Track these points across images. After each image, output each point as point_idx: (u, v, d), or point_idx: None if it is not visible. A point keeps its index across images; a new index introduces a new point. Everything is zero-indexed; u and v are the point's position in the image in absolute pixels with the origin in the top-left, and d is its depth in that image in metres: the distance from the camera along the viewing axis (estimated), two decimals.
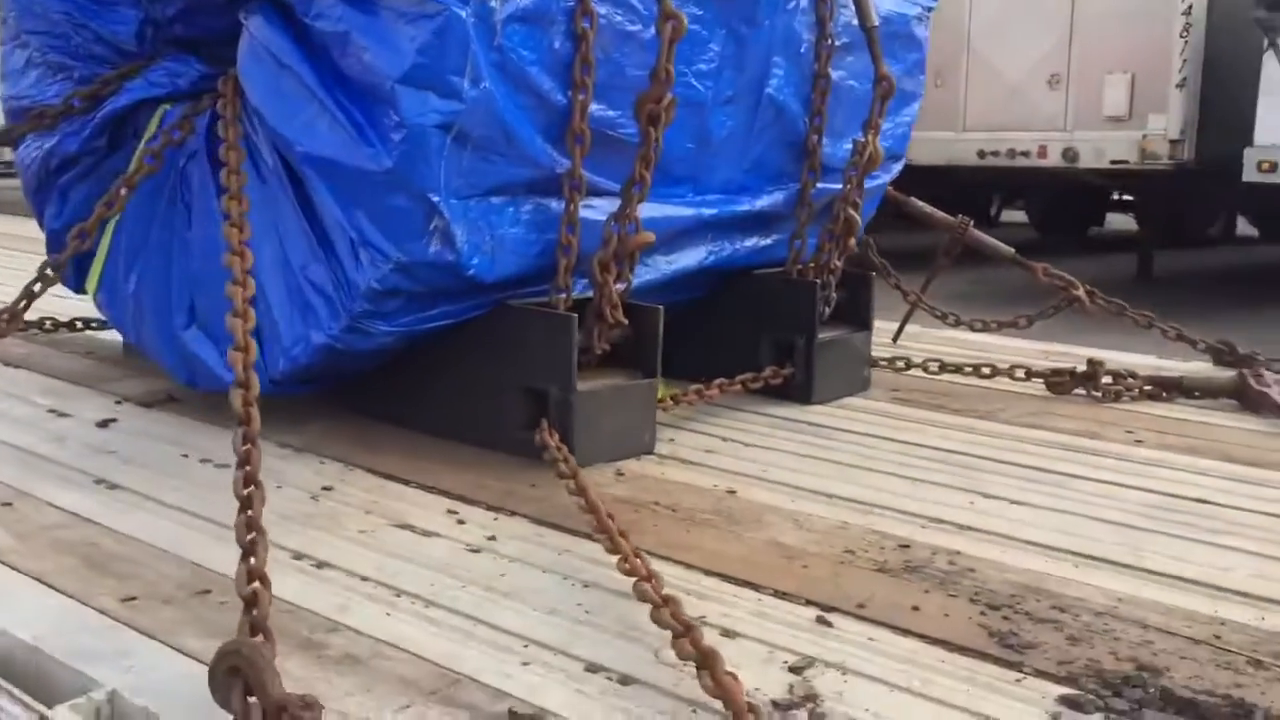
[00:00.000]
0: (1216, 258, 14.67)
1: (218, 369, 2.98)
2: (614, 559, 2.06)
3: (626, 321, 2.90)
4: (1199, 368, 4.23)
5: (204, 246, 2.95)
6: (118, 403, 3.33)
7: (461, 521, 2.42)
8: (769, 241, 3.57)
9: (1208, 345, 4.30)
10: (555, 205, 2.84)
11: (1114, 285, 4.38)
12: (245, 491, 1.89)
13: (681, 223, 3.20)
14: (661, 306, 2.96)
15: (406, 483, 2.68)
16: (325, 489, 2.61)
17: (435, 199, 2.59)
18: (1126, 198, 14.46)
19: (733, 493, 2.66)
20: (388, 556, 2.21)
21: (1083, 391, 3.71)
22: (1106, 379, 3.70)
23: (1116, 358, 4.36)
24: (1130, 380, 3.70)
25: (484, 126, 2.60)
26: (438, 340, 2.90)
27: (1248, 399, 3.63)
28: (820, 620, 1.97)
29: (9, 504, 2.44)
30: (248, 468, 1.93)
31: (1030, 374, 3.77)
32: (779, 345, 3.54)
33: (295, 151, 2.70)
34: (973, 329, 4.44)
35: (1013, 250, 4.34)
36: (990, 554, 2.30)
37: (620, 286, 2.90)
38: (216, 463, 2.77)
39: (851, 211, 3.51)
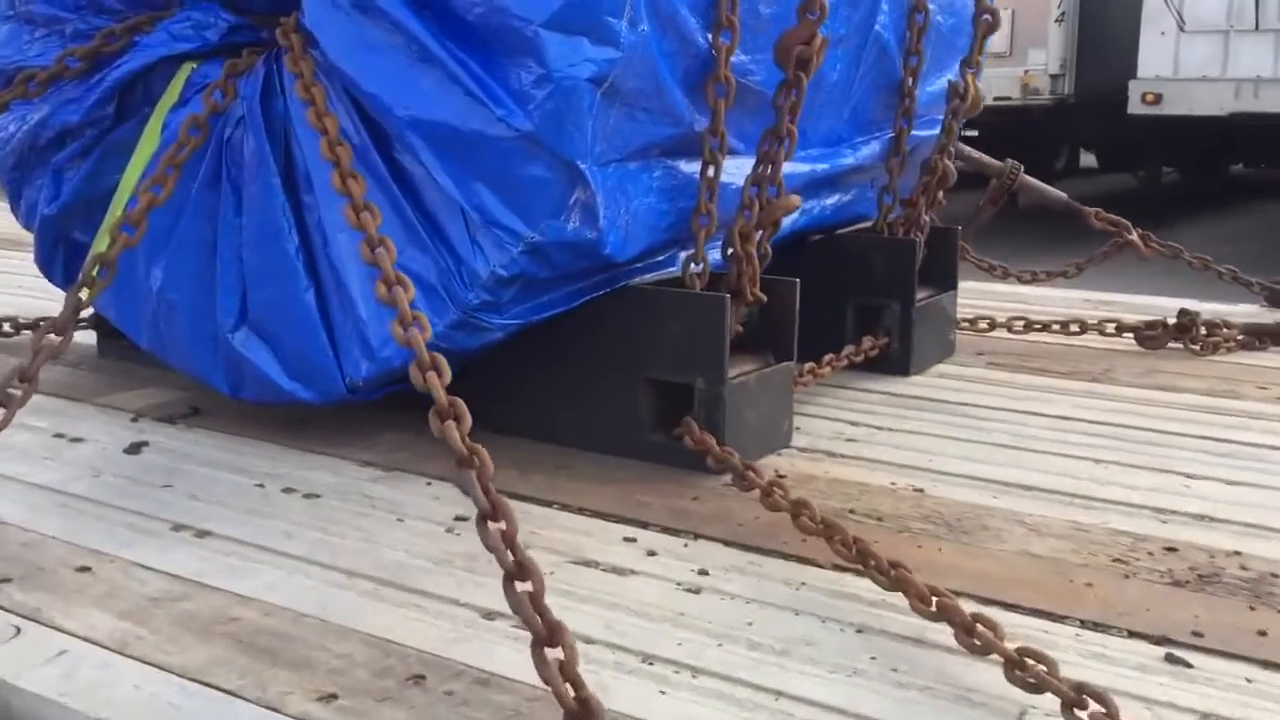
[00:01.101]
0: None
1: (273, 375, 2.52)
2: (874, 590, 1.74)
3: (766, 298, 2.52)
4: (1251, 310, 4.07)
5: (260, 234, 2.46)
6: (133, 419, 2.81)
7: (652, 553, 2.03)
8: (849, 197, 3.22)
9: (1263, 286, 4.14)
10: (686, 168, 2.44)
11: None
12: (514, 558, 1.47)
13: (791, 182, 2.82)
14: (798, 280, 2.59)
15: (548, 504, 2.27)
16: (459, 519, 2.18)
17: (582, 167, 2.16)
18: (971, 133, 14.47)
19: (921, 491, 2.34)
20: (600, 608, 1.82)
21: (1178, 345, 3.47)
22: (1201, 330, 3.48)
23: (1165, 304, 4.19)
24: (1225, 330, 3.48)
25: (637, 78, 2.18)
26: (540, 330, 2.48)
27: None
28: (1172, 659, 1.66)
29: (87, 569, 1.96)
30: (503, 525, 1.50)
31: (1121, 328, 3.53)
32: (866, 312, 3.21)
33: (393, 116, 2.23)
34: (1021, 281, 4.19)
35: (1065, 196, 4.09)
36: (1275, 552, 2.02)
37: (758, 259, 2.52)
38: (304, 492, 2.32)
39: (948, 161, 3.19)
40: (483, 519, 1.52)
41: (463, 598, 1.85)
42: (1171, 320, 3.51)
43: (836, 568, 1.95)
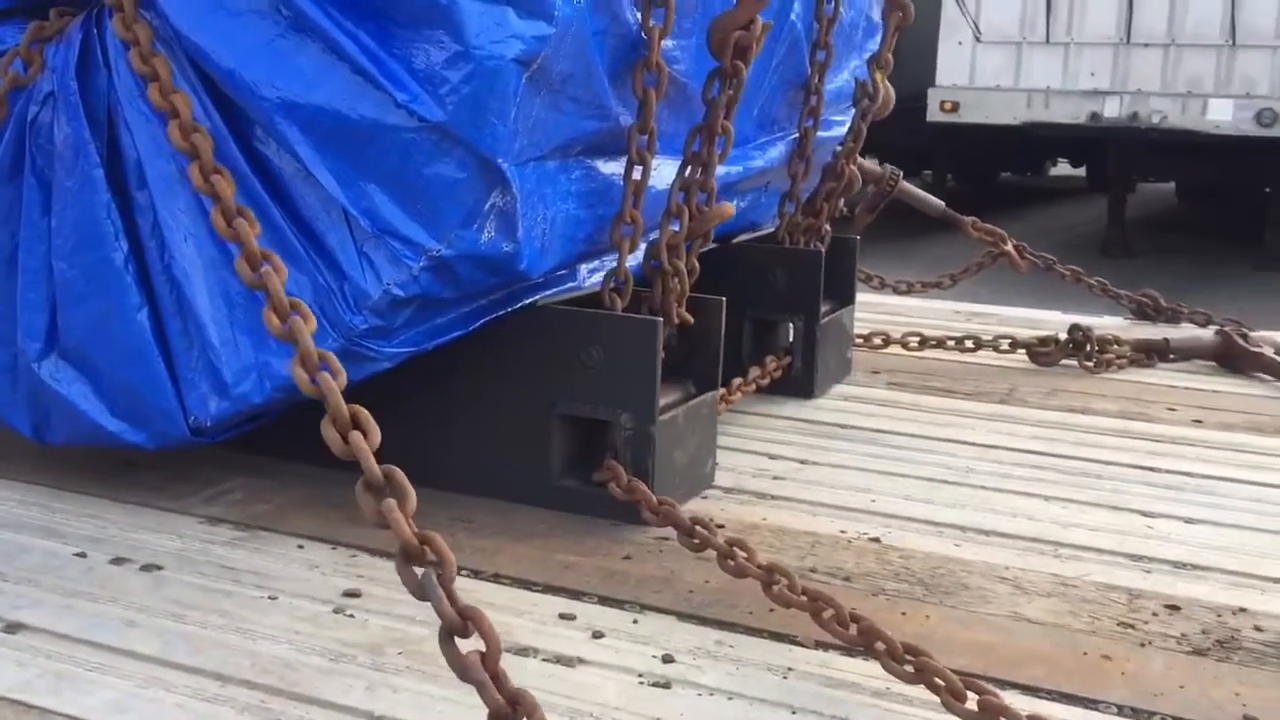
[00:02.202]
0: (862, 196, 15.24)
1: (92, 412, 2.05)
2: (873, 674, 1.47)
3: (693, 320, 2.20)
4: (1118, 322, 4.00)
5: (77, 239, 1.98)
6: None
7: (598, 634, 1.68)
8: (745, 204, 2.93)
9: (1131, 299, 4.08)
10: (606, 169, 2.09)
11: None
12: (502, 694, 1.09)
13: None
14: (724, 298, 2.28)
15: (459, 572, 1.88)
16: (350, 594, 1.78)
17: (503, 165, 1.78)
18: None
19: (878, 541, 2.06)
20: (556, 716, 1.45)
21: (1071, 361, 3.33)
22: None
23: (1041, 317, 4.09)
24: (1116, 347, 3.36)
25: (568, 60, 1.82)
26: (424, 354, 2.08)
27: (1233, 360, 3.39)
28: None
29: None
30: (481, 646, 1.13)
31: (1015, 344, 3.36)
32: (764, 329, 2.93)
33: (257, 97, 1.80)
34: (897, 291, 4.01)
35: (942, 204, 3.92)
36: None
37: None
38: (141, 563, 1.87)
39: (853, 166, 2.94)
40: (449, 634, 1.14)
41: (376, 708, 1.46)
42: (1063, 336, 3.37)
43: (819, 644, 1.65)
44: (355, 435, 1.37)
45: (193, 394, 2.01)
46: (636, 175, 2.05)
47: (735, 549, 1.77)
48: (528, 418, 2.12)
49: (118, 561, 1.87)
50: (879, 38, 3.19)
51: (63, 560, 1.87)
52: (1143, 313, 4.06)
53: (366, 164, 1.80)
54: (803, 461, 2.48)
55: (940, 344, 3.36)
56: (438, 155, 1.77)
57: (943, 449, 2.58)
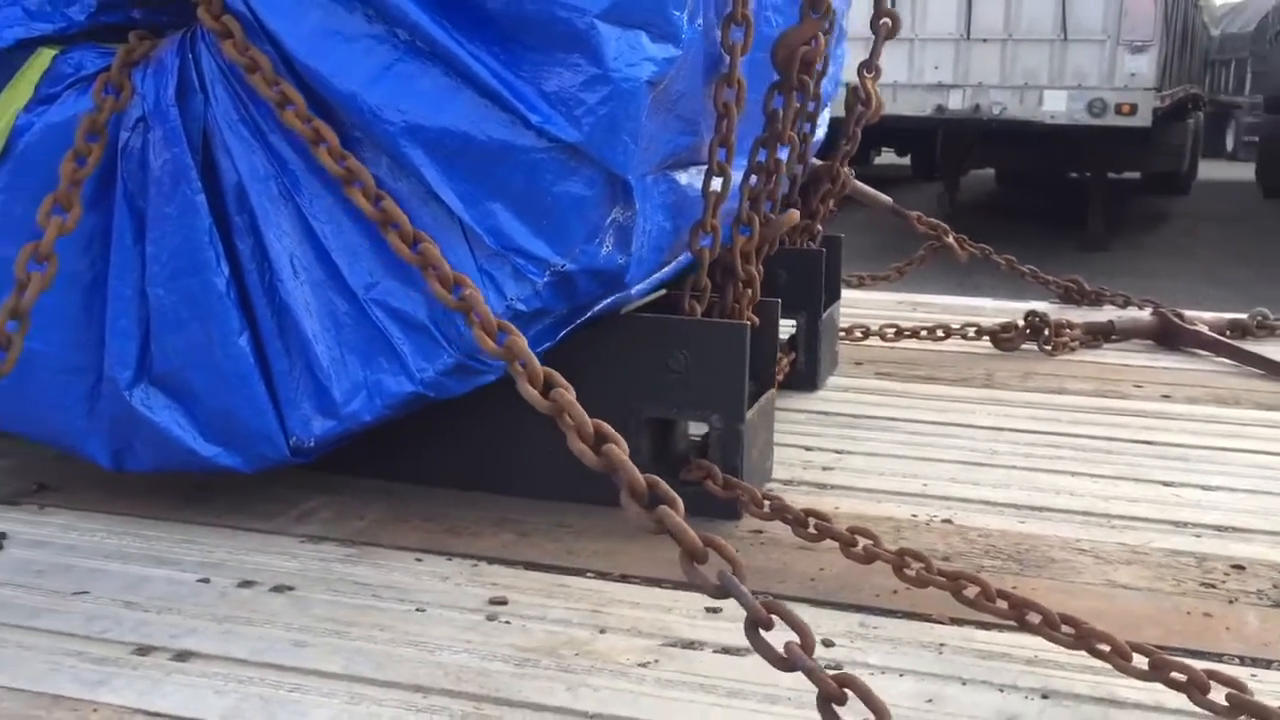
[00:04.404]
0: None
1: (185, 438, 2.04)
2: (1021, 644, 1.62)
3: (758, 322, 2.31)
4: (1048, 306, 4.26)
5: (177, 265, 1.97)
6: None
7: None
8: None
9: (1058, 284, 4.35)
10: (684, 181, 2.17)
11: None
12: (826, 682, 1.18)
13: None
14: (779, 300, 2.40)
15: (580, 572, 1.95)
16: (496, 602, 1.83)
17: (631, 182, 1.86)
18: None
19: (950, 522, 2.21)
20: (755, 702, 1.54)
21: (1031, 345, 3.56)
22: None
23: (977, 304, 4.35)
24: (1070, 330, 3.61)
25: (684, 80, 1.91)
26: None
27: (1169, 338, 3.67)
28: None
29: None
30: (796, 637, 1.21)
31: (980, 331, 3.57)
32: None
33: (380, 121, 1.83)
34: (849, 284, 4.18)
35: (890, 200, 4.12)
36: None
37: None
38: (269, 585, 1.88)
39: (846, 168, 3.09)
40: (755, 627, 1.22)
41: (588, 708, 1.53)
42: (1020, 322, 3.59)
43: (954, 620, 1.78)
44: (611, 449, 1.44)
45: (295, 415, 2.02)
46: (716, 186, 2.15)
47: (857, 535, 1.88)
48: (609, 421, 2.18)
49: (246, 585, 1.88)
50: (845, 44, 3.36)
51: (190, 587, 1.87)
52: (1069, 297, 4.34)
53: (492, 184, 1.85)
54: (839, 451, 2.62)
55: (914, 334, 3.55)
56: (566, 174, 1.83)
57: (959, 433, 2.75)
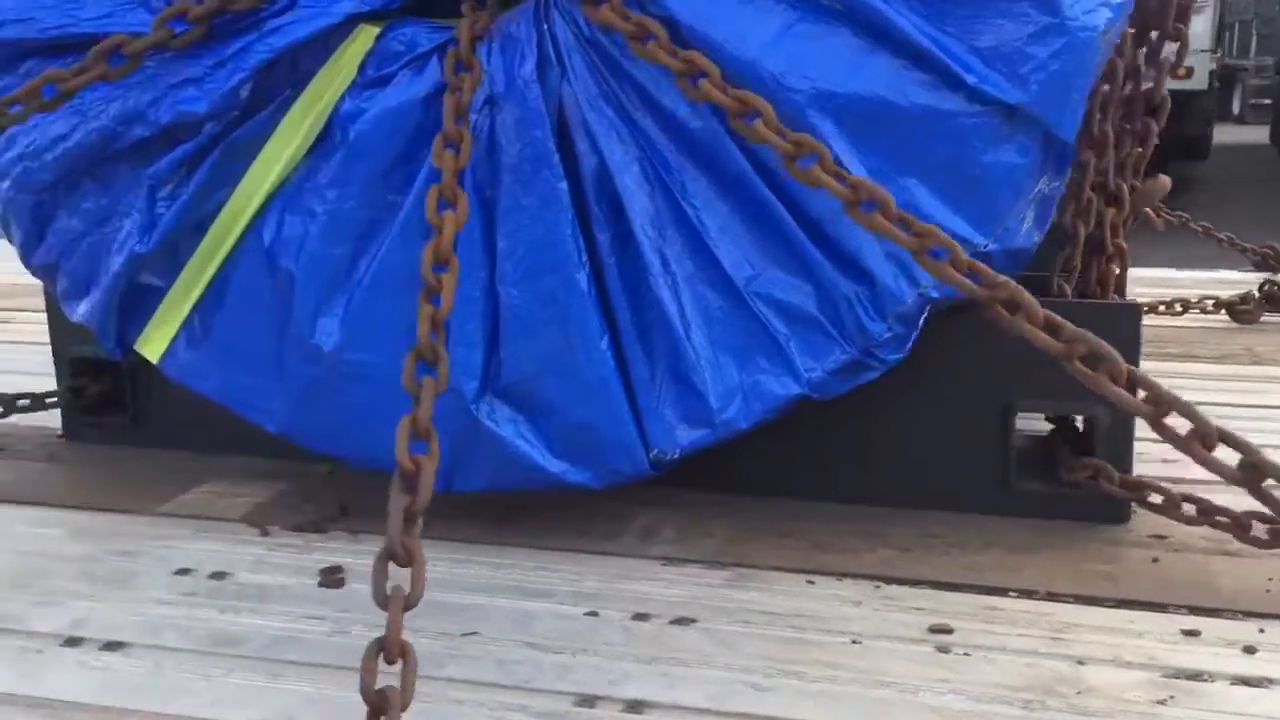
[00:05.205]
0: None
1: (534, 454, 1.84)
2: None
3: None
4: (1236, 276, 4.05)
5: (535, 262, 1.76)
6: (261, 534, 2.00)
7: (1250, 649, 1.57)
8: None
9: (1254, 251, 4.13)
10: None
11: None
12: None
13: None
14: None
15: (1001, 593, 1.74)
16: (938, 630, 1.62)
17: (1070, 145, 1.65)
18: None
19: None
20: None
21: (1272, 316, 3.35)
22: None
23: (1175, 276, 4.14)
24: None
25: (1116, 31, 1.68)
26: None
27: None
28: None
29: None
30: None
31: (1218, 305, 3.37)
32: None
33: (787, 92, 1.62)
34: None
35: None
36: None
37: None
38: (666, 618, 1.67)
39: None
40: None
41: None
42: (1255, 293, 3.39)
43: None
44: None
45: (657, 425, 1.81)
46: (1092, 159, 1.93)
47: None
48: (977, 420, 1.98)
49: (641, 618, 1.68)
50: None
51: (583, 622, 1.66)
52: (1265, 264, 4.12)
53: (908, 155, 1.64)
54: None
55: (1152, 309, 3.33)
56: (999, 140, 1.63)
57: (1272, 415, 2.54)
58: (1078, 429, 2.09)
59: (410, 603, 1.21)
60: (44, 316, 3.72)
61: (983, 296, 1.45)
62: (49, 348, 3.32)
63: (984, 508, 1.99)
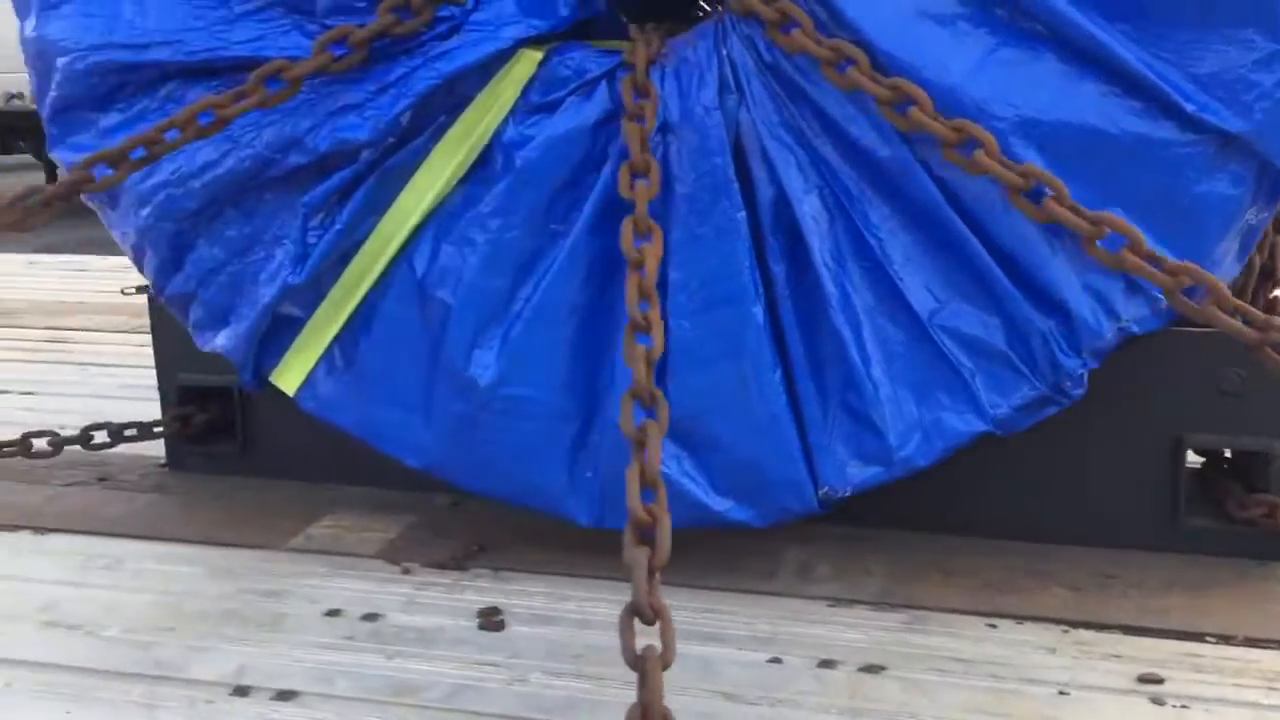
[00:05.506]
0: None
1: (697, 491, 1.78)
2: None
3: None
4: None
5: (709, 294, 1.70)
6: (403, 572, 1.93)
7: None
8: None
9: None
10: None
11: None
12: None
13: None
14: None
15: (1197, 638, 1.67)
16: (1148, 680, 1.55)
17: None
18: None
19: None
20: None
21: None
22: None
23: None
24: None
25: None
26: None
27: None
28: None
29: None
30: None
31: None
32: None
33: (990, 119, 1.56)
34: None
35: None
36: None
37: None
38: (857, 665, 1.60)
39: None
40: None
41: None
42: None
43: None
44: None
45: (828, 462, 1.75)
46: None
47: None
48: (1144, 455, 1.92)
49: (827, 665, 1.61)
50: None
51: (768, 671, 1.60)
52: None
53: (1116, 185, 1.58)
54: None
55: None
56: (1212, 170, 1.57)
57: None
58: (1228, 462, 2.02)
59: (665, 664, 1.14)
60: (99, 336, 3.65)
61: (1252, 340, 1.38)
62: (116, 370, 3.26)
63: (1150, 544, 1.93)
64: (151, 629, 1.74)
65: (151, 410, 2.48)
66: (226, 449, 2.37)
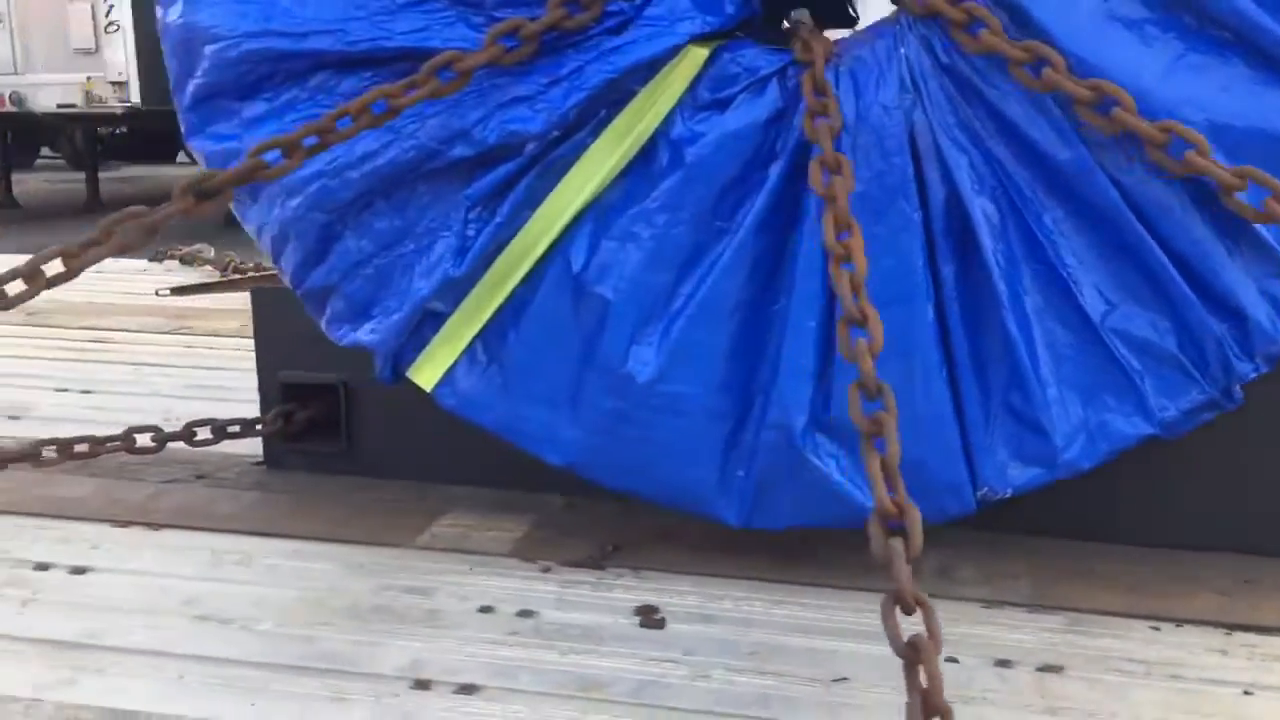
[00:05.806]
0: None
1: (852, 490, 1.76)
2: None
3: None
4: None
5: (878, 292, 1.68)
6: (544, 570, 1.91)
7: None
8: None
9: None
10: None
11: None
12: None
13: None
14: None
15: None
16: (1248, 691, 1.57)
17: None
18: None
19: None
20: None
21: None
22: None
23: None
24: None
25: None
26: None
27: None
28: None
29: None
30: None
31: None
32: None
33: (1177, 120, 1.58)
34: None
35: None
36: None
37: None
38: (1035, 665, 1.60)
39: None
40: None
41: None
42: None
43: None
44: None
45: (989, 463, 1.76)
46: None
47: None
48: None
49: (1004, 664, 1.61)
50: None
51: (946, 668, 1.59)
52: None
53: None
54: None
55: None
56: None
57: None
58: None
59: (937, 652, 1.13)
60: (141, 337, 3.58)
61: None
62: (170, 370, 3.22)
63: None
64: (306, 623, 1.71)
65: (221, 409, 2.45)
66: (329, 448, 2.34)
